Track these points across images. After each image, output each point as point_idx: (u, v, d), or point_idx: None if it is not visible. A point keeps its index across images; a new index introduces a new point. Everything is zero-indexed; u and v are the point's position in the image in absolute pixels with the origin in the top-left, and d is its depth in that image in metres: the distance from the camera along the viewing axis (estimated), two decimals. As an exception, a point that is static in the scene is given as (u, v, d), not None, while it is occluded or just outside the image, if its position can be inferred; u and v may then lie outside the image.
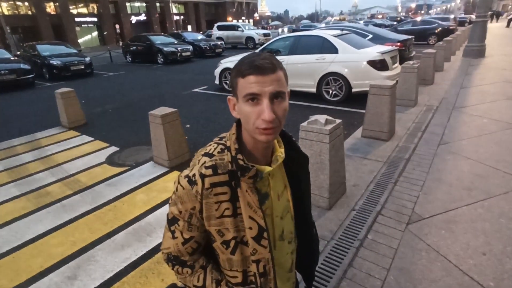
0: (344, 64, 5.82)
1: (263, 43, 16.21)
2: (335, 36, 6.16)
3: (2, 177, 3.72)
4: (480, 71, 8.13)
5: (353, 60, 5.77)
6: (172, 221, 0.80)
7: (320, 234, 2.03)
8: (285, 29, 37.01)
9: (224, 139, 0.79)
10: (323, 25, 21.05)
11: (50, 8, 31.10)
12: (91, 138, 4.92)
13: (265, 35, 20.89)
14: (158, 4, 40.39)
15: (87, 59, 12.05)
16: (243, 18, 53.59)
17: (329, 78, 6.03)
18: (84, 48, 28.89)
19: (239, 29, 21.47)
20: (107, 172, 3.71)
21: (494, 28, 24.67)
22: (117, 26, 34.47)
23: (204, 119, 5.61)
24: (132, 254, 2.31)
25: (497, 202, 2.57)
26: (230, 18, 48.39)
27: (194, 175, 0.74)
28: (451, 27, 16.05)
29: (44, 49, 11.89)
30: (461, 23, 25.06)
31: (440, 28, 15.99)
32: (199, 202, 0.74)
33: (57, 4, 30.73)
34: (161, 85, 9.26)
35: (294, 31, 25.07)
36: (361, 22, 23.22)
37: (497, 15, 37.80)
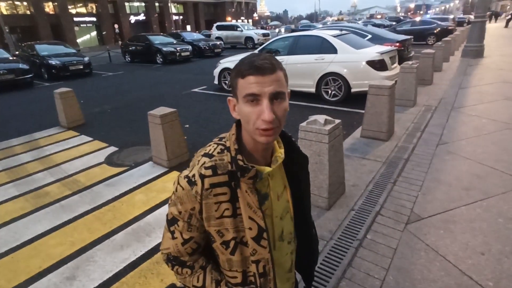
0: (343, 64, 5.83)
1: (262, 43, 16.22)
2: (334, 36, 6.17)
3: (0, 178, 3.71)
4: (479, 71, 8.15)
5: (352, 60, 5.78)
6: (171, 221, 0.80)
7: (319, 234, 2.03)
8: (282, 29, 36.80)
9: (223, 140, 0.79)
10: (320, 25, 21.04)
11: (49, 7, 31.04)
12: (90, 138, 4.91)
13: (264, 35, 20.90)
14: (157, 4, 40.36)
15: (86, 59, 12.04)
16: (242, 18, 53.62)
17: (328, 78, 6.04)
18: (83, 48, 28.86)
19: (238, 29, 21.46)
20: (106, 172, 3.71)
21: (493, 28, 24.74)
22: (116, 26, 34.42)
23: (203, 119, 5.61)
24: (131, 254, 2.31)
25: (496, 202, 2.58)
26: (229, 18, 48.41)
27: (193, 175, 0.74)
28: (450, 28, 16.10)
29: (43, 49, 11.87)
30: (460, 23, 25.13)
31: (439, 29, 16.04)
32: (198, 202, 0.74)
33: (56, 3, 30.67)
34: (160, 85, 9.25)
35: (293, 31, 25.07)
36: (360, 22, 23.25)
37: (496, 15, 37.91)
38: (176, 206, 0.77)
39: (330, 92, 6.13)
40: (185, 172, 0.76)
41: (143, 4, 39.60)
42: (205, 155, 0.77)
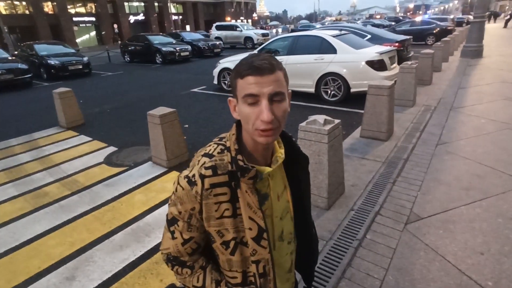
0: (343, 64, 5.83)
1: (262, 43, 16.23)
2: (334, 36, 6.18)
3: (0, 178, 3.71)
4: (478, 71, 8.17)
5: (351, 60, 5.78)
6: (171, 221, 0.79)
7: (319, 234, 2.03)
8: (280, 30, 36.41)
9: (224, 140, 0.79)
10: (319, 25, 21.04)
11: (48, 7, 30.99)
12: (89, 138, 4.90)
13: (263, 35, 20.90)
14: (156, 4, 40.32)
15: (85, 58, 12.02)
16: (241, 18, 53.62)
17: (328, 78, 6.04)
18: (82, 48, 28.83)
19: (237, 29, 21.46)
20: (105, 172, 3.70)
21: (492, 28, 24.78)
22: (115, 25, 34.41)
23: (203, 119, 5.61)
24: (130, 254, 2.31)
25: (495, 202, 2.58)
26: (228, 18, 48.39)
27: (193, 175, 0.74)
28: (449, 28, 16.11)
29: (42, 48, 11.84)
30: (459, 23, 25.15)
31: (438, 29, 16.07)
32: (198, 202, 0.74)
33: (55, 3, 30.63)
34: (159, 85, 9.25)
35: (293, 31, 25.06)
36: (359, 22, 23.25)
37: (495, 15, 37.97)
38: (176, 206, 0.77)
39: (329, 92, 6.14)
40: (185, 172, 0.76)
41: (142, 4, 39.56)
42: (205, 155, 0.77)
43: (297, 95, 6.44)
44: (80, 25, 33.99)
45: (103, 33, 35.09)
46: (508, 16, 27.82)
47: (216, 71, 7.84)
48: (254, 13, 63.48)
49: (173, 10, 42.65)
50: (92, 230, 2.62)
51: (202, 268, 0.83)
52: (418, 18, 20.15)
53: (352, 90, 5.82)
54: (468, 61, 9.78)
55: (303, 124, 2.56)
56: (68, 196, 3.21)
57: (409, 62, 5.54)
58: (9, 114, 6.75)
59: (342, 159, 2.79)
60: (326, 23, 23.75)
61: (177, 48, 14.27)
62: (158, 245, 2.33)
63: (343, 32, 6.77)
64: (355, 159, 3.49)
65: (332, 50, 6.00)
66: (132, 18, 38.39)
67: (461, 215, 2.44)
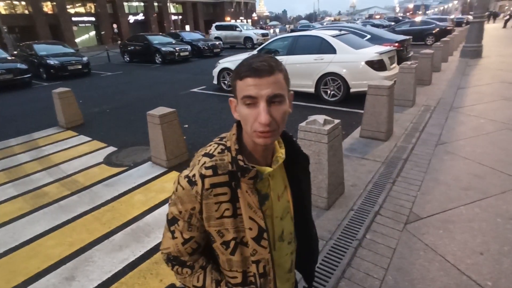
0: (342, 64, 5.83)
1: (262, 43, 16.23)
2: (333, 37, 6.18)
3: (-1, 178, 3.70)
4: (477, 71, 8.18)
5: (351, 60, 5.79)
6: (172, 221, 0.79)
7: (318, 234, 2.02)
8: (277, 30, 36.14)
9: (224, 140, 0.79)
10: (319, 25, 21.02)
11: (47, 7, 30.95)
12: (89, 138, 4.90)
13: (263, 35, 20.91)
14: (156, 4, 40.29)
15: (85, 58, 12.00)
16: (241, 18, 53.60)
17: (328, 78, 6.05)
18: (82, 47, 28.81)
19: (237, 29, 21.46)
20: (105, 172, 3.70)
21: (491, 28, 24.82)
22: (114, 25, 34.37)
23: (203, 119, 5.61)
24: (130, 254, 2.31)
25: (494, 201, 2.59)
26: (228, 18, 48.36)
27: (194, 175, 0.74)
28: (448, 28, 16.13)
29: (41, 48, 11.83)
30: (459, 23, 25.17)
31: (438, 29, 16.09)
32: (199, 202, 0.74)
33: (54, 3, 30.59)
34: (159, 85, 9.24)
35: (292, 31, 25.04)
36: (358, 21, 23.25)
37: (494, 15, 38.03)
38: (176, 206, 0.77)
39: (329, 92, 6.14)
40: (186, 172, 0.76)
41: (142, 4, 39.53)
42: (206, 155, 0.77)
43: (297, 95, 6.43)
44: (80, 25, 33.94)
45: (102, 33, 35.06)
46: (508, 16, 27.89)
47: (215, 71, 7.84)
48: (254, 13, 63.48)
49: (172, 10, 42.64)
50: (92, 230, 2.61)
51: (202, 268, 0.83)
52: (418, 18, 20.16)
53: (352, 90, 5.82)
54: (468, 61, 9.79)
55: (303, 124, 2.56)
56: (68, 196, 3.20)
57: (409, 62, 5.54)
58: (9, 114, 6.74)
59: (342, 159, 2.79)
60: (325, 23, 23.72)
61: (176, 48, 14.26)
62: (158, 245, 2.33)
63: (342, 32, 6.78)
64: (354, 159, 3.49)
65: (331, 50, 6.00)
66: (131, 18, 38.35)
67: (461, 215, 2.44)
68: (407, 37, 8.77)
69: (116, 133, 5.13)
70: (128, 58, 15.76)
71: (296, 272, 1.04)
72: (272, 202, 0.81)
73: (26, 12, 29.45)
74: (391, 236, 2.25)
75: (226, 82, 7.73)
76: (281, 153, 0.79)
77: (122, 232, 2.57)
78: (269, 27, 49.69)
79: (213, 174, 0.73)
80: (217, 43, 17.11)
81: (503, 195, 2.67)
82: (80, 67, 11.61)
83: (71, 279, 2.10)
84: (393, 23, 22.45)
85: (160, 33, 18.58)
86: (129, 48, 15.57)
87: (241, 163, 0.72)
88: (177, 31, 22.54)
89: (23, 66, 10.18)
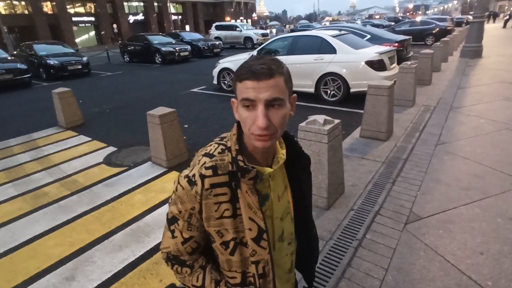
0: (342, 64, 5.83)
1: (262, 43, 16.23)
2: (333, 37, 6.18)
3: (-2, 178, 3.70)
4: (477, 71, 8.18)
5: (351, 60, 5.79)
6: (171, 220, 0.79)
7: (319, 234, 2.02)
8: (274, 30, 35.83)
9: (224, 140, 0.79)
10: (318, 25, 21.02)
11: (47, 7, 30.96)
12: (89, 138, 4.90)
13: (263, 35, 20.92)
14: (156, 4, 40.30)
15: (85, 58, 12.00)
16: (241, 18, 53.59)
17: (328, 78, 6.05)
18: (81, 47, 28.82)
19: (237, 29, 21.47)
20: (104, 172, 3.70)
21: (491, 29, 24.82)
22: (114, 25, 34.37)
23: (203, 119, 5.60)
24: (130, 254, 2.30)
25: (494, 201, 2.59)
26: (228, 18, 48.35)
27: (194, 175, 0.74)
28: (448, 28, 16.14)
29: (41, 48, 11.82)
30: (458, 23, 25.19)
31: (438, 29, 16.09)
32: (198, 202, 0.73)
33: (54, 3, 30.60)
34: (159, 85, 9.24)
35: (292, 31, 25.04)
36: (358, 21, 23.25)
37: (494, 16, 38.03)
38: (176, 205, 0.77)
39: (329, 92, 6.14)
40: (186, 172, 0.76)
41: (142, 4, 39.54)
42: (206, 155, 0.76)
43: (297, 95, 6.42)
44: (80, 25, 33.95)
45: (102, 33, 35.07)
46: (507, 16, 27.89)
47: (215, 71, 7.84)
48: (254, 13, 63.47)
49: (172, 10, 42.64)
50: (92, 231, 2.61)
51: (202, 268, 0.83)
52: (418, 18, 20.16)
53: (352, 90, 5.82)
54: (468, 61, 9.79)
55: (303, 124, 2.56)
56: (68, 196, 3.20)
57: (409, 62, 5.54)
58: (8, 114, 6.74)
59: (342, 159, 2.79)
60: (323, 23, 23.72)
61: (176, 48, 14.26)
62: (158, 245, 2.33)
63: (342, 32, 6.78)
64: (354, 159, 3.49)
65: (331, 50, 6.00)
66: (131, 18, 38.35)
67: (461, 215, 2.44)
68: (407, 37, 8.77)
69: (116, 133, 5.12)
70: (128, 58, 15.76)
71: (296, 272, 1.04)
72: (272, 202, 0.81)
73: (26, 12, 29.46)
74: (391, 236, 2.25)
75: (226, 82, 7.73)
76: (282, 153, 0.79)
77: (122, 232, 2.57)
78: (269, 27, 49.73)
79: (213, 174, 0.73)
80: (217, 43, 17.11)
81: (503, 195, 2.67)
82: (80, 67, 11.61)
83: (71, 279, 2.10)
84: (393, 23, 22.47)
85: (160, 33, 18.58)
86: (129, 48, 15.56)
87: (241, 163, 0.72)
88: (177, 31, 22.53)
89: (23, 66, 10.17)
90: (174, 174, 3.56)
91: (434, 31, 16.09)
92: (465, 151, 3.56)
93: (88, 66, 11.97)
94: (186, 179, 0.74)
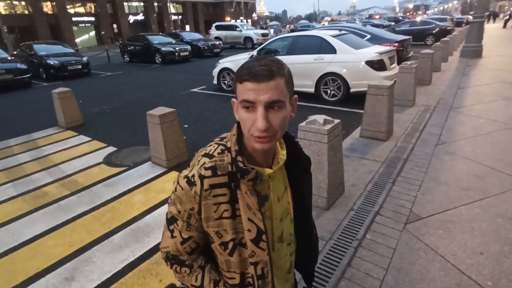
0: (342, 64, 5.83)
1: (262, 43, 16.22)
2: (333, 36, 6.18)
3: (-2, 178, 3.70)
4: (477, 71, 8.18)
5: (351, 60, 5.78)
6: (171, 220, 0.79)
7: (319, 234, 2.02)
8: (271, 31, 35.58)
9: (224, 140, 0.79)
10: (318, 25, 21.04)
11: (47, 7, 30.97)
12: (89, 138, 4.90)
13: (263, 35, 20.92)
14: (156, 4, 40.31)
15: (85, 58, 12.00)
16: (241, 18, 53.59)
17: (328, 78, 6.04)
18: (81, 47, 28.81)
19: (237, 29, 21.48)
20: (104, 172, 3.70)
21: (491, 29, 24.81)
22: (114, 25, 34.37)
23: (203, 119, 5.60)
24: (130, 255, 2.30)
25: (494, 201, 2.58)
26: (228, 18, 48.35)
27: (193, 175, 0.73)
28: (448, 28, 16.14)
29: (41, 48, 11.82)
30: (458, 23, 25.18)
31: (438, 29, 16.09)
32: (197, 203, 0.73)
33: (54, 3, 30.61)
34: (159, 85, 9.24)
35: (292, 31, 25.03)
36: (358, 21, 23.26)
37: (494, 16, 38.02)
38: (175, 206, 0.77)
39: (329, 92, 6.14)
40: (185, 172, 0.76)
41: (142, 4, 39.54)
42: (206, 155, 0.76)
43: (297, 95, 6.43)
44: (80, 25, 33.96)
45: (102, 33, 35.07)
46: (507, 16, 27.88)
47: (215, 71, 7.83)
48: (254, 13, 63.47)
49: (172, 10, 42.64)
50: (91, 231, 2.61)
51: (201, 268, 0.83)
52: (418, 18, 20.16)
53: (352, 90, 5.82)
54: (468, 61, 9.78)
55: (303, 124, 2.56)
56: (67, 196, 3.20)
57: (409, 62, 5.54)
58: (8, 114, 6.74)
59: (342, 159, 2.79)
60: (322, 23, 23.75)
61: (176, 48, 14.26)
62: (158, 245, 2.32)
63: (342, 32, 6.78)
64: (355, 159, 3.49)
65: (331, 50, 6.00)
66: (131, 18, 38.36)
67: (461, 215, 2.44)
68: (407, 37, 8.77)
69: (116, 133, 5.12)
70: (128, 58, 15.76)
71: (296, 272, 1.03)
72: (271, 203, 0.81)
73: (26, 12, 29.46)
74: (391, 236, 2.24)
75: (226, 82, 7.73)
76: (282, 154, 0.79)
77: (122, 232, 2.57)
78: (269, 27, 49.70)
79: (212, 175, 0.73)
80: (217, 43, 17.11)
81: (503, 195, 2.67)
82: (80, 67, 11.61)
83: (70, 280, 2.10)
84: (393, 23, 22.47)
85: (160, 33, 18.59)
86: (129, 48, 15.57)
87: (240, 164, 0.72)
88: (177, 31, 22.53)
89: (23, 66, 10.17)
90: (174, 174, 3.56)
91: (434, 31, 16.09)
92: (465, 151, 3.56)
93: (88, 66, 11.97)
94: (186, 179, 0.74)
